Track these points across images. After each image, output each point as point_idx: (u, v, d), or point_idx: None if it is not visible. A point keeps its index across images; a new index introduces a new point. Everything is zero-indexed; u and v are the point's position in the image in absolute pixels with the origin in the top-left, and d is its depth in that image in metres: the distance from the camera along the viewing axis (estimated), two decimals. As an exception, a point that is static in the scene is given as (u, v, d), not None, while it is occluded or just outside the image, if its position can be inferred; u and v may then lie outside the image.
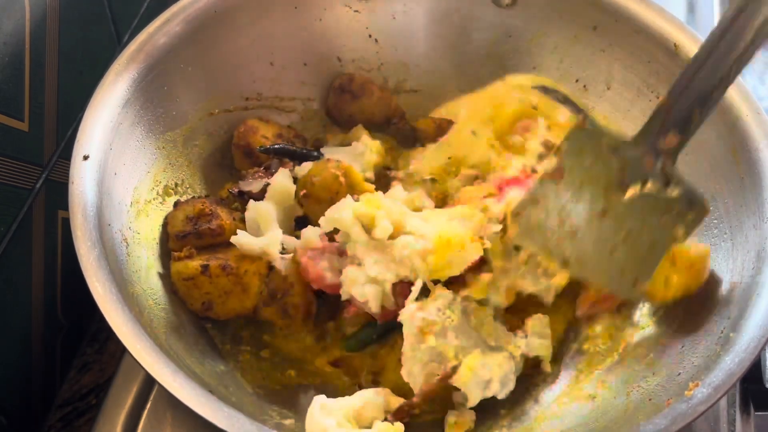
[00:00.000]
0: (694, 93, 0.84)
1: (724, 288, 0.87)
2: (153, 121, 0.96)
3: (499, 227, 0.91)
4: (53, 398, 1.05)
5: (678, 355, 0.84)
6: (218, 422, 0.72)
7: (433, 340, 0.87)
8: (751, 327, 0.79)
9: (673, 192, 0.86)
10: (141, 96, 0.94)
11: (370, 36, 1.12)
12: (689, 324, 0.88)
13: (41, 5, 0.94)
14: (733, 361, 0.76)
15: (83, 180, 0.84)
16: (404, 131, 1.12)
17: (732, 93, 0.93)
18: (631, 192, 0.87)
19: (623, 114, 1.05)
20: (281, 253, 0.94)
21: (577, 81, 1.08)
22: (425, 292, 0.90)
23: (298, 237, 0.96)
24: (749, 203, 0.89)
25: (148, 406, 0.94)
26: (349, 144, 1.07)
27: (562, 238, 0.88)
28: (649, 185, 0.86)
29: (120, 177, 0.89)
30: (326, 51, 1.11)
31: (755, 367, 0.93)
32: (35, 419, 1.03)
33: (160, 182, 0.97)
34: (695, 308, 0.89)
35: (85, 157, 0.85)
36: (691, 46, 0.98)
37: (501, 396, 0.88)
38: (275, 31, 1.07)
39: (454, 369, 0.86)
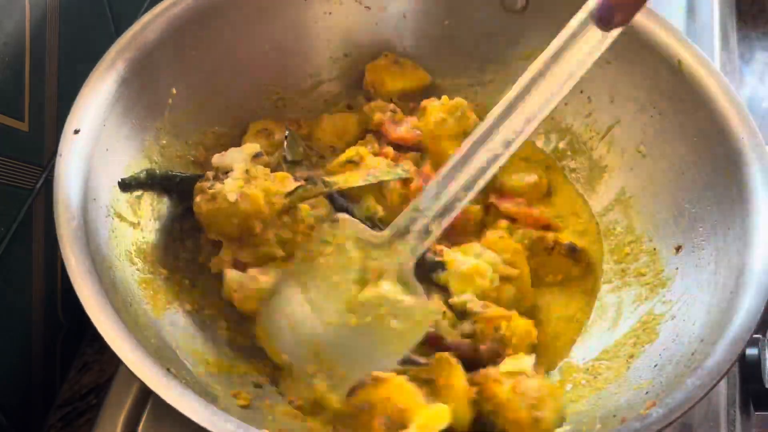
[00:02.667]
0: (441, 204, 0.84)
1: (701, 311, 0.85)
2: (150, 102, 0.95)
3: None
4: (53, 398, 1.05)
5: (649, 374, 0.83)
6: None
7: None
8: (719, 352, 0.76)
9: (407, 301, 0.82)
10: (137, 79, 0.93)
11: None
12: (664, 342, 0.87)
13: (41, 5, 0.94)
14: (694, 385, 0.74)
15: (71, 153, 0.84)
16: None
17: (728, 109, 0.92)
18: (370, 290, 0.83)
19: (625, 128, 1.05)
20: None
21: (581, 92, 1.08)
22: None
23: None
24: (736, 227, 0.87)
25: (148, 406, 0.94)
26: None
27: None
28: (386, 286, 0.83)
29: (111, 153, 0.89)
30: (334, 46, 1.10)
31: (755, 367, 0.93)
32: (35, 419, 1.03)
33: (153, 163, 0.96)
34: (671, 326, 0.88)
35: (76, 131, 0.85)
36: (693, 63, 0.97)
37: None
38: (282, 24, 1.06)
39: None
